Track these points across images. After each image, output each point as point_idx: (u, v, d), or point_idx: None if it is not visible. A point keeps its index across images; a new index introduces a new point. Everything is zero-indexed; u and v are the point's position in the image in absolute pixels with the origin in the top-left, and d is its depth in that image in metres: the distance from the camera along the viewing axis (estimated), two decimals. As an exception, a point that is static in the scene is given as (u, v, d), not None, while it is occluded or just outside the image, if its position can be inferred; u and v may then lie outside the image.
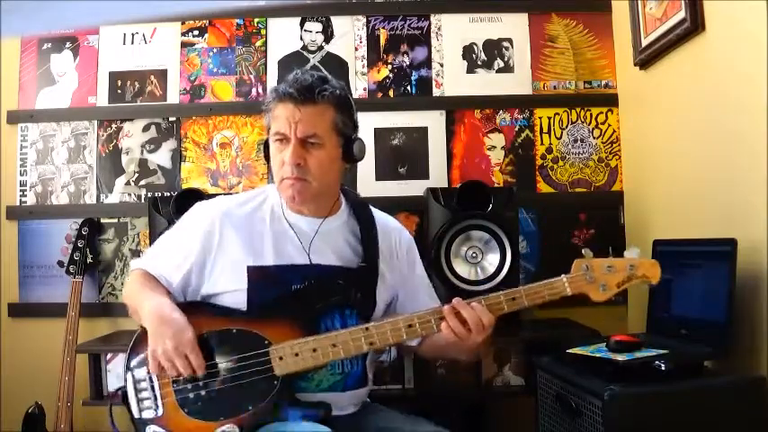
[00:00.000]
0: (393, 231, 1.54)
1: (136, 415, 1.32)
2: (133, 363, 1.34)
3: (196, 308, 1.37)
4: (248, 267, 1.37)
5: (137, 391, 1.32)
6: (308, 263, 1.40)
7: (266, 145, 1.43)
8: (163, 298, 1.36)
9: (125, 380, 1.34)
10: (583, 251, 1.33)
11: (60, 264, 2.32)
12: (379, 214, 1.55)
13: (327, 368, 1.36)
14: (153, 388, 1.32)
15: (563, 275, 1.32)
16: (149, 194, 2.43)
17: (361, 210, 1.51)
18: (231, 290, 1.38)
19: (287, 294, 1.37)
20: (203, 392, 1.30)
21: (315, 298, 1.37)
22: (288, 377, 1.30)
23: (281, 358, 1.29)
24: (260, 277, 1.37)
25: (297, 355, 1.29)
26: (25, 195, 2.46)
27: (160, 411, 1.30)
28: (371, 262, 1.44)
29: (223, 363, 1.31)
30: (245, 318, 1.34)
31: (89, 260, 2.32)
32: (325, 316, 1.38)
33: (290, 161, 1.36)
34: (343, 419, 1.39)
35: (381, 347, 1.36)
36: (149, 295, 1.36)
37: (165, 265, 1.42)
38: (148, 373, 1.31)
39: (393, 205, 2.41)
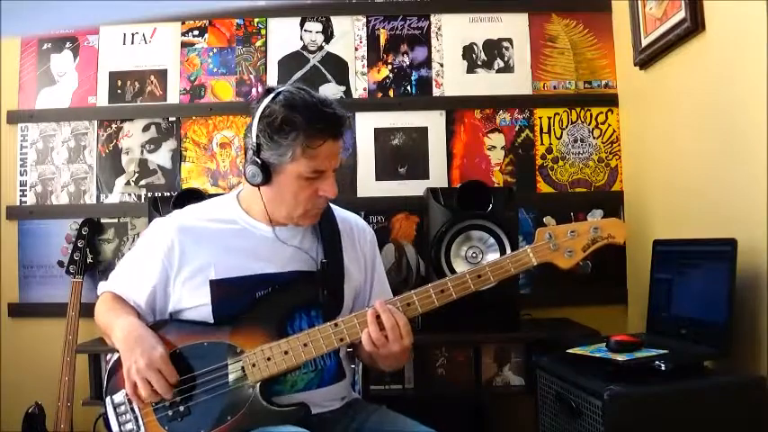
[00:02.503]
0: (355, 229, 1.54)
1: None
2: (111, 387, 1.35)
3: (165, 325, 1.37)
4: (210, 281, 1.36)
5: (117, 414, 1.32)
6: (271, 269, 1.39)
7: (265, 168, 1.33)
8: (131, 318, 1.36)
9: (104, 405, 1.34)
10: (544, 219, 1.32)
11: (60, 264, 2.32)
12: (340, 212, 1.54)
13: (300, 368, 1.36)
14: (133, 410, 1.32)
15: (527, 246, 1.32)
16: (149, 194, 2.43)
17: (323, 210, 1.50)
18: (196, 305, 1.37)
19: (252, 302, 1.36)
20: (182, 408, 1.30)
21: (280, 301, 1.37)
22: (264, 382, 1.30)
23: (253, 365, 1.30)
24: (223, 290, 1.36)
25: (269, 359, 1.29)
26: (25, 195, 2.46)
27: None
28: (336, 261, 1.44)
29: (198, 376, 1.31)
30: (215, 329, 1.34)
31: (89, 260, 2.32)
32: (292, 319, 1.38)
33: (334, 193, 1.36)
34: (327, 416, 1.39)
35: (352, 342, 1.34)
36: (118, 317, 1.36)
37: (130, 287, 1.42)
38: (127, 395, 1.31)
39: (393, 205, 2.43)
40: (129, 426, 1.31)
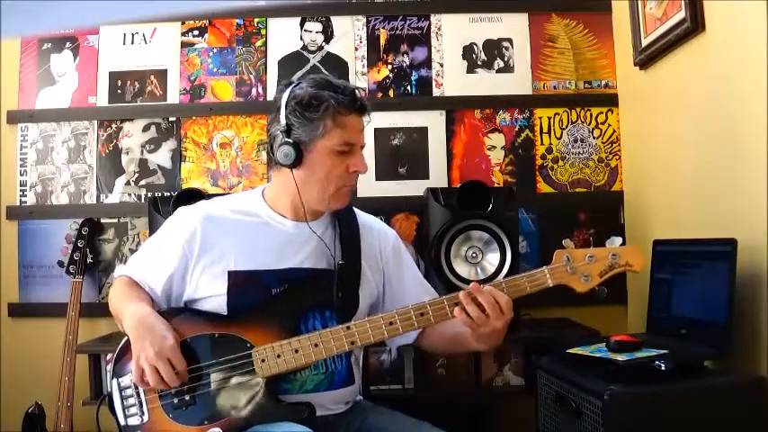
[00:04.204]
0: (377, 233, 1.54)
1: (122, 422, 1.33)
2: (119, 370, 1.35)
3: (178, 314, 1.38)
4: (229, 272, 1.37)
5: (122, 398, 1.33)
6: (289, 266, 1.40)
7: (298, 149, 1.36)
8: (143, 305, 1.36)
9: (110, 387, 1.35)
10: (563, 242, 1.33)
11: (60, 264, 2.32)
12: (363, 216, 1.56)
13: (311, 368, 1.36)
14: (138, 394, 1.32)
15: (544, 267, 1.32)
16: (149, 194, 2.42)
17: (344, 211, 1.51)
18: (212, 294, 1.38)
19: (267, 298, 1.37)
20: (187, 397, 1.30)
21: (295, 300, 1.37)
22: (271, 379, 1.31)
23: (263, 360, 1.30)
24: (241, 282, 1.37)
25: (279, 356, 1.30)
26: (25, 195, 2.46)
27: (146, 418, 1.31)
28: (353, 263, 1.44)
29: (206, 367, 1.31)
30: (227, 322, 1.35)
31: (89, 260, 2.32)
32: (305, 318, 1.39)
33: (364, 169, 1.41)
34: (331, 419, 1.39)
35: (363, 346, 1.36)
36: (131, 303, 1.37)
37: (148, 272, 1.43)
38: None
39: (393, 205, 2.43)
40: (134, 410, 1.32)
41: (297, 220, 1.45)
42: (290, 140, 1.36)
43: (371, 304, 1.51)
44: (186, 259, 1.40)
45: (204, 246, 1.40)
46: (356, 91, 1.40)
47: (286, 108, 1.37)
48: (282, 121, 1.37)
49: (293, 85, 1.40)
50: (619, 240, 1.31)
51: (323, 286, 1.39)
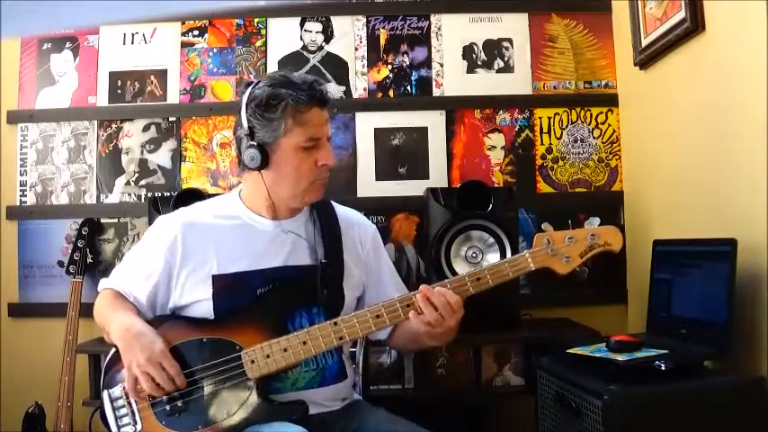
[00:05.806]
0: (356, 225, 1.55)
1: None
2: (108, 380, 1.35)
3: (165, 321, 1.37)
4: (213, 276, 1.37)
5: (114, 408, 1.33)
6: (273, 265, 1.40)
7: (263, 151, 1.36)
8: (130, 314, 1.36)
9: (102, 399, 1.35)
10: (543, 226, 1.34)
11: (60, 264, 2.32)
12: (341, 209, 1.55)
13: (302, 366, 1.37)
14: (130, 404, 1.32)
15: (525, 251, 1.33)
16: (149, 194, 2.43)
17: (323, 206, 1.51)
18: (198, 300, 1.38)
19: (253, 299, 1.37)
20: (180, 403, 1.30)
21: (281, 299, 1.38)
22: (262, 379, 1.31)
23: (252, 362, 1.30)
24: (225, 285, 1.37)
25: (268, 356, 1.30)
26: (25, 195, 2.46)
27: (139, 426, 1.31)
28: (336, 258, 1.45)
29: (196, 372, 1.31)
30: (214, 326, 1.35)
31: (89, 260, 2.32)
32: (292, 316, 1.39)
33: (332, 161, 1.40)
34: (326, 417, 1.39)
35: (351, 341, 1.36)
36: (116, 313, 1.37)
37: (132, 283, 1.43)
38: (125, 389, 1.32)
39: (393, 205, 2.43)
40: (126, 420, 1.31)
41: (275, 218, 1.45)
42: (254, 143, 1.35)
43: (358, 297, 1.51)
44: (169, 267, 1.39)
45: (186, 252, 1.39)
46: (315, 84, 1.37)
47: (246, 110, 1.36)
48: (244, 124, 1.36)
49: (252, 85, 1.38)
50: (597, 221, 1.33)
51: (308, 283, 1.40)
